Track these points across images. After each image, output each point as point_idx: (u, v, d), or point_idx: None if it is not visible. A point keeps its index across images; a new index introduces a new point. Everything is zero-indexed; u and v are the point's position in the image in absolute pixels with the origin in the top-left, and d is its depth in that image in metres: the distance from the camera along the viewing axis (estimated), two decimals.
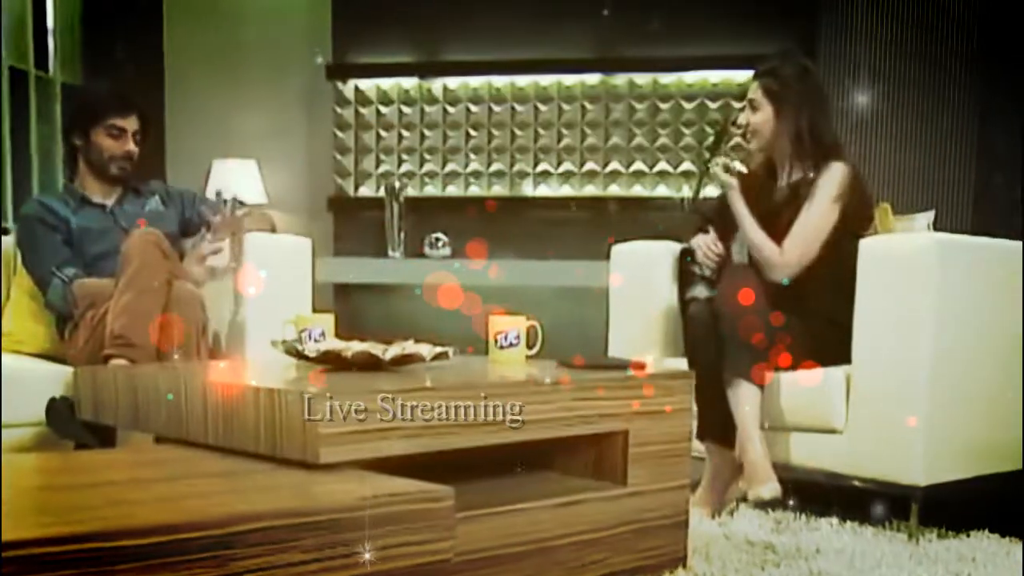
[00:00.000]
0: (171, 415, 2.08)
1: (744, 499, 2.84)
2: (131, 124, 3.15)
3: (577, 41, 5.64)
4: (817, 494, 2.91)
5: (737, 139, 5.37)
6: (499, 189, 5.74)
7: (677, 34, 5.52)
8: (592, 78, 5.64)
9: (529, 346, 2.57)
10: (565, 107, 5.67)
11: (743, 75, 5.46)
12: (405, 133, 5.79)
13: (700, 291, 3.01)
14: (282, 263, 3.14)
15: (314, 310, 3.15)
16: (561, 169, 5.68)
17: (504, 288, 5.36)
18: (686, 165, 5.57)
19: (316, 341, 2.49)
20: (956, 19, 5.01)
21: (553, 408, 2.12)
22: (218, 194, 3.22)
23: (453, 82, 5.73)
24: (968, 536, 2.67)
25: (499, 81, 5.71)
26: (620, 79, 5.62)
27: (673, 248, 3.28)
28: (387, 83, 5.78)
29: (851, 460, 2.76)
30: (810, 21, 5.34)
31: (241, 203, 3.28)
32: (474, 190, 5.76)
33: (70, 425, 2.51)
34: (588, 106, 5.65)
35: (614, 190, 5.63)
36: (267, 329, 3.05)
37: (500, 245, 5.56)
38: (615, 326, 3.31)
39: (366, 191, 5.84)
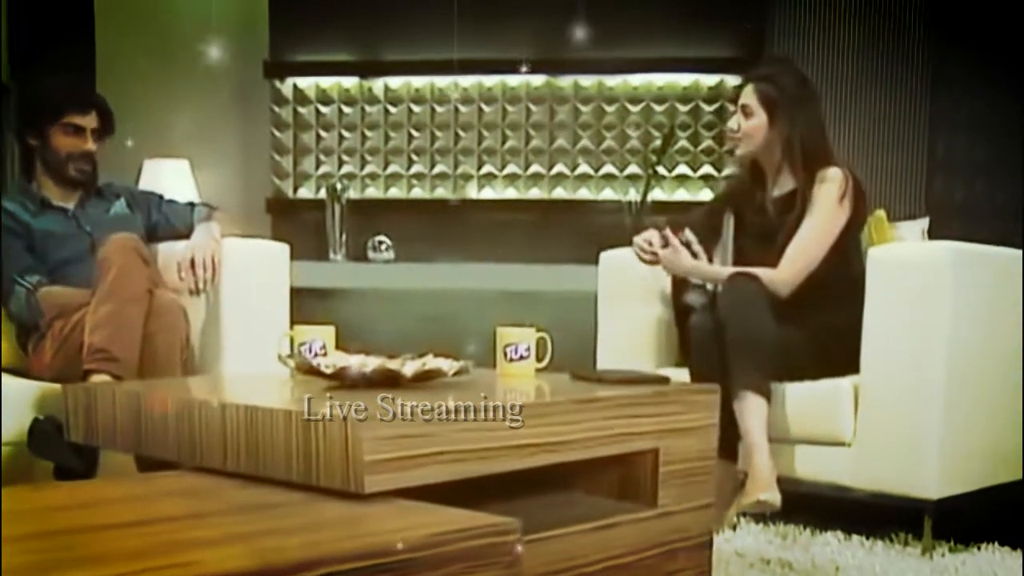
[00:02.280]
0: (181, 438, 1.93)
1: (744, 513, 2.77)
2: (90, 121, 2.96)
3: (522, 41, 5.53)
4: (819, 507, 2.86)
5: (683, 142, 5.40)
6: (442, 191, 5.61)
7: (622, 36, 5.44)
8: (537, 79, 5.54)
9: (539, 359, 2.46)
10: (510, 108, 5.57)
11: (688, 78, 5.44)
12: (346, 133, 5.63)
13: (694, 299, 2.93)
14: (257, 269, 2.98)
15: (291, 319, 3.00)
16: (506, 172, 5.57)
17: (450, 292, 5.26)
18: (632, 168, 5.50)
19: (317, 355, 2.35)
20: (906, 19, 5.02)
21: (590, 427, 2.01)
22: (191, 204, 3.06)
23: (395, 82, 5.59)
24: (979, 549, 2.64)
25: (442, 81, 5.58)
26: (565, 81, 5.53)
27: None
28: (327, 82, 5.61)
29: (860, 473, 2.71)
30: (757, 23, 5.31)
31: (212, 207, 3.12)
32: (417, 192, 5.63)
33: (56, 448, 2.33)
34: (533, 108, 5.55)
35: (560, 193, 5.54)
36: (243, 339, 2.90)
37: (444, 248, 5.45)
38: (603, 334, 3.21)
39: (305, 193, 5.66)
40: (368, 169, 5.63)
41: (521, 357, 2.43)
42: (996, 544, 2.65)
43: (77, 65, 5.15)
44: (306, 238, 5.59)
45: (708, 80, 5.44)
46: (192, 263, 2.78)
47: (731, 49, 5.38)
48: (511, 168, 5.56)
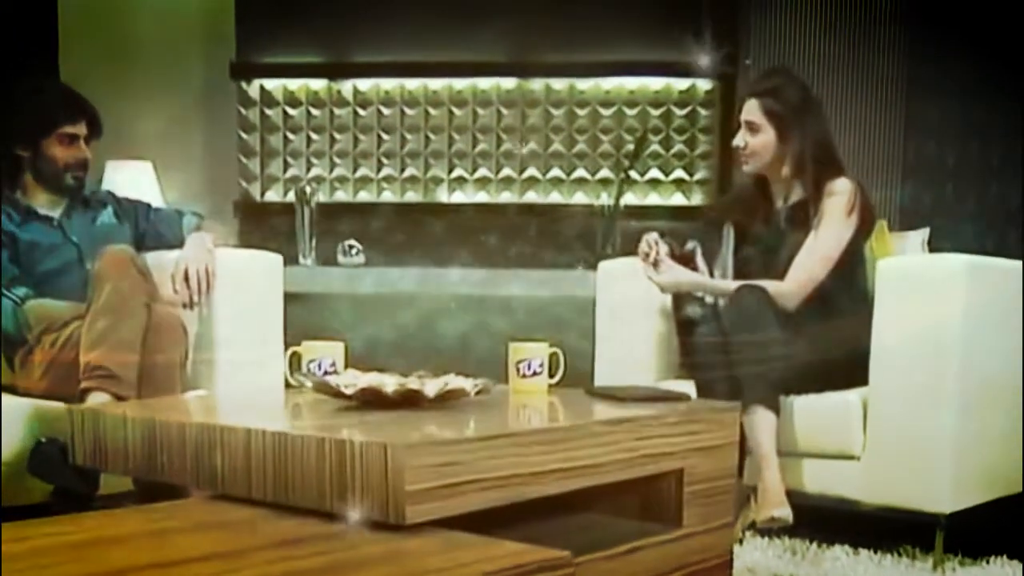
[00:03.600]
0: (200, 465, 1.85)
1: (752, 525, 2.74)
2: (82, 129, 2.87)
3: (493, 44, 5.47)
4: (826, 520, 2.83)
5: (655, 146, 5.36)
6: (413, 195, 5.53)
7: (594, 39, 5.40)
8: (508, 82, 5.48)
9: (551, 374, 2.41)
10: (480, 111, 5.50)
11: (660, 82, 5.40)
12: (314, 136, 5.54)
13: (694, 310, 2.89)
14: (250, 282, 2.90)
15: (285, 331, 2.92)
16: (477, 175, 5.50)
17: (422, 296, 5.18)
18: (604, 172, 5.45)
19: (327, 372, 2.28)
20: (884, 21, 5.00)
21: (620, 449, 1.97)
22: (179, 213, 2.97)
23: (364, 84, 5.50)
24: (987, 563, 2.63)
25: (412, 84, 5.50)
26: (536, 84, 5.48)
27: None
28: (294, 84, 5.51)
29: (869, 487, 2.68)
30: (730, 27, 5.28)
31: (201, 216, 3.03)
32: (387, 196, 5.54)
33: (60, 472, 2.24)
34: (504, 111, 5.49)
35: (531, 197, 5.49)
36: (237, 351, 2.83)
37: (415, 252, 5.38)
38: (602, 345, 3.16)
39: (273, 196, 5.56)
40: (337, 172, 5.54)
41: (535, 373, 2.38)
42: (1006, 557, 2.64)
43: (39, 65, 5.02)
44: (274, 242, 5.45)
45: (679, 84, 5.41)
46: (186, 275, 2.70)
47: (703, 53, 5.37)
48: (482, 172, 5.50)
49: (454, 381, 2.08)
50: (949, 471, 2.59)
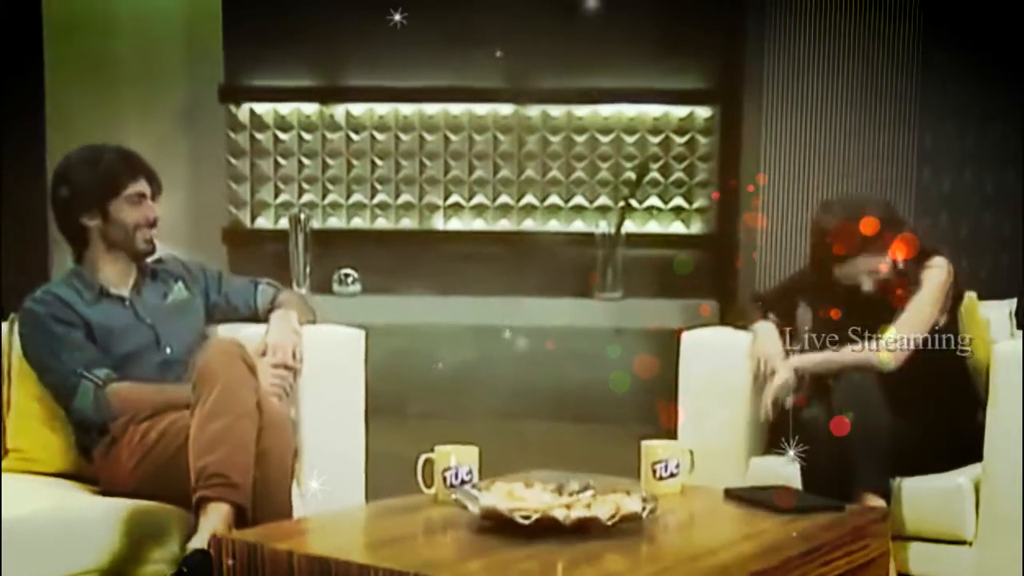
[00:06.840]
0: None
1: None
2: (145, 187, 2.71)
3: (490, 69, 5.34)
4: None
5: (654, 174, 5.29)
6: (408, 222, 5.40)
7: (592, 66, 5.31)
8: (505, 108, 5.37)
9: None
10: (477, 137, 5.38)
11: (659, 109, 5.33)
12: (306, 161, 5.36)
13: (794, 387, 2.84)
14: (333, 360, 2.75)
15: (367, 414, 2.78)
16: (473, 202, 5.38)
17: (417, 326, 5.06)
18: (603, 200, 5.38)
19: (464, 482, 2.17)
20: (892, 42, 4.96)
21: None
22: (253, 282, 2.81)
23: (357, 108, 5.34)
24: None
25: (406, 109, 5.35)
26: (534, 110, 5.37)
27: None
28: (285, 107, 5.33)
29: (982, 572, 2.64)
30: (731, 56, 5.22)
31: (276, 287, 2.88)
32: (381, 223, 5.40)
33: None
34: (500, 137, 5.38)
35: (529, 224, 5.39)
36: (321, 437, 2.69)
37: (410, 281, 5.25)
38: (687, 418, 3.07)
39: (264, 222, 5.37)
40: (330, 198, 5.38)
41: (672, 475, 2.29)
42: None
43: (25, 92, 4.78)
44: (265, 270, 5.25)
45: (678, 111, 5.35)
46: (277, 362, 2.55)
47: (702, 81, 5.33)
48: (479, 199, 5.38)
49: (625, 504, 1.97)
50: None
